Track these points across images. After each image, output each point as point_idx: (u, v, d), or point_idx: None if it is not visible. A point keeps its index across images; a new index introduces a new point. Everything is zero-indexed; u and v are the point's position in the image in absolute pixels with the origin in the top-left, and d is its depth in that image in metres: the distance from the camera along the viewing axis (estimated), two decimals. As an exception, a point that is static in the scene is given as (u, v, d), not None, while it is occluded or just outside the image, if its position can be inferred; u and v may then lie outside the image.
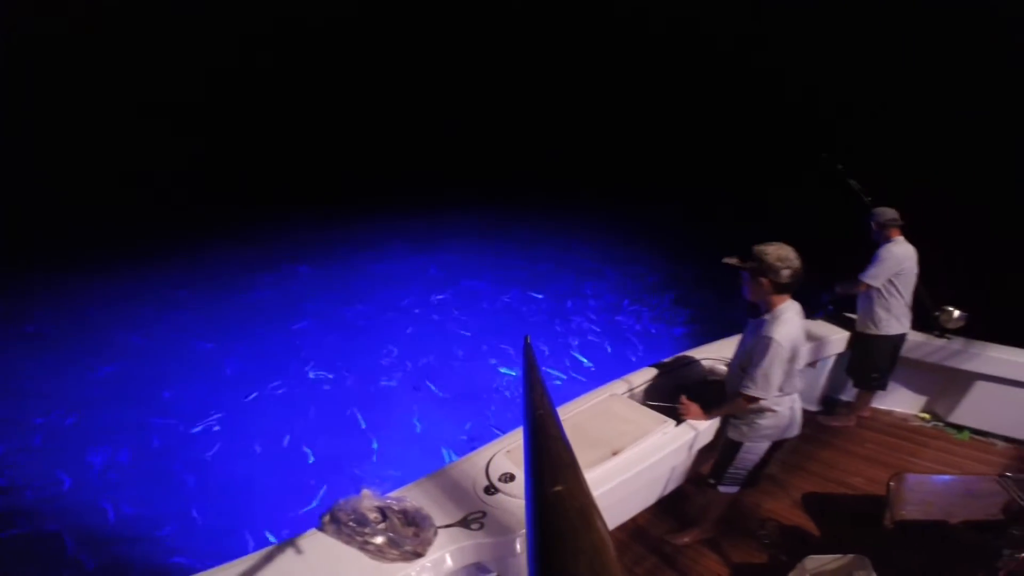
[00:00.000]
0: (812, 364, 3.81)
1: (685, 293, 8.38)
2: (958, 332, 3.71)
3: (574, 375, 6.45)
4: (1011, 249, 7.75)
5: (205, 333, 7.08)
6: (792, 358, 2.33)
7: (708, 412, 2.65)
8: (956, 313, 3.64)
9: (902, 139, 12.52)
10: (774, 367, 2.28)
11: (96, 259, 9.26)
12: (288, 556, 1.82)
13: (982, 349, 3.61)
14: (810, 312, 3.92)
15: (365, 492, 1.97)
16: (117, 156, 14.13)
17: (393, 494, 2.08)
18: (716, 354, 3.33)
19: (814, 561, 2.17)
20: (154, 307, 7.77)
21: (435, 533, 1.91)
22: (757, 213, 9.92)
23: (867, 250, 3.54)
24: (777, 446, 2.62)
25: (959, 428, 3.75)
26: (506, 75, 19.77)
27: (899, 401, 4.03)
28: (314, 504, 4.52)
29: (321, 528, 1.92)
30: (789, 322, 2.31)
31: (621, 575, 0.47)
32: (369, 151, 16.29)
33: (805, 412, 3.91)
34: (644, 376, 3.15)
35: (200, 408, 5.63)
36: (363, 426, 5.48)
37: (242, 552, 1.88)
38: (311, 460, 5.04)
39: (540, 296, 8.32)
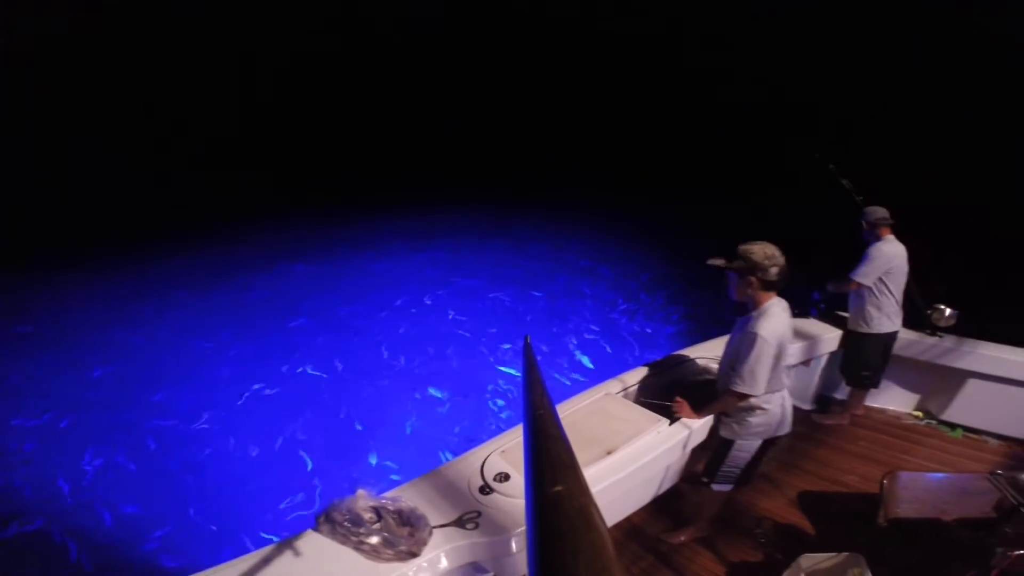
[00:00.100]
0: (805, 363, 3.83)
1: (681, 292, 8.40)
2: (950, 330, 3.73)
3: (573, 375, 6.45)
4: (1010, 248, 7.75)
5: (204, 333, 7.10)
6: (779, 354, 2.35)
7: (699, 411, 2.66)
8: (948, 311, 3.65)
9: (902, 139, 12.52)
10: (760, 363, 2.29)
11: (96, 259, 9.28)
12: (284, 557, 1.83)
13: (974, 347, 3.63)
14: (802, 311, 3.95)
15: (360, 492, 1.98)
16: (117, 156, 14.14)
17: (388, 494, 2.08)
18: (710, 353, 3.34)
19: (809, 559, 2.18)
20: (154, 306, 7.79)
21: (430, 533, 1.92)
22: (756, 213, 9.93)
23: (858, 249, 3.57)
24: (769, 444, 2.62)
25: (952, 426, 3.76)
26: (506, 75, 19.78)
27: (892, 399, 4.04)
28: (311, 504, 4.52)
29: (317, 528, 1.93)
30: (775, 317, 2.33)
31: (621, 575, 0.47)
32: (369, 151, 16.31)
33: (799, 411, 3.93)
34: (638, 375, 3.15)
35: (197, 408, 5.65)
36: (359, 427, 5.49)
37: (239, 553, 1.88)
38: (307, 460, 5.04)
39: (539, 294, 8.33)
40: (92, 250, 9.64)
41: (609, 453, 2.40)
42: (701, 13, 18.65)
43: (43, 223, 10.93)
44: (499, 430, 2.94)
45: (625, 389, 3.06)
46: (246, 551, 1.89)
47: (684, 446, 2.64)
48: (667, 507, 3.06)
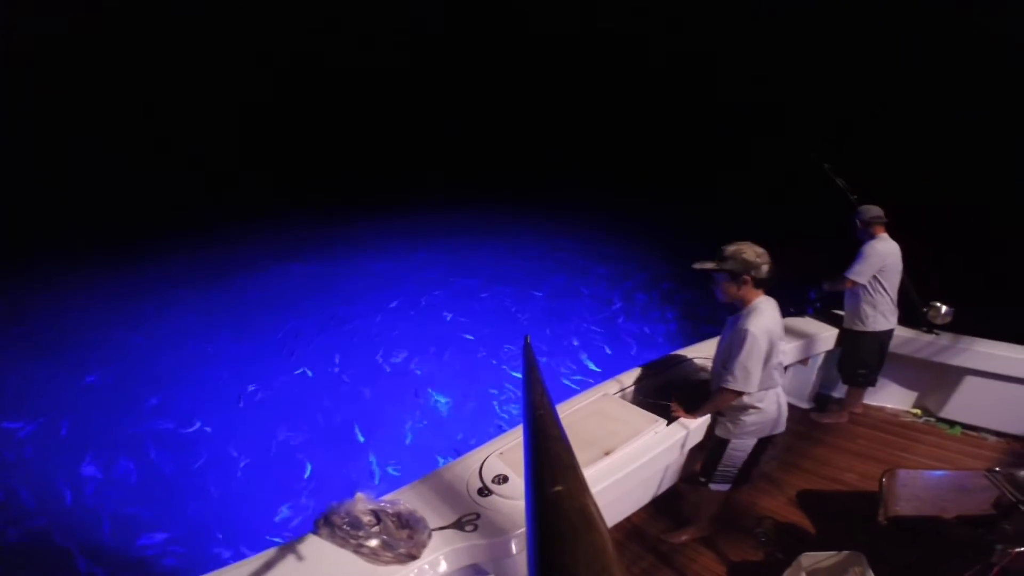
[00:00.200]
0: (803, 362, 3.83)
1: (679, 292, 8.40)
2: (946, 327, 3.73)
3: (572, 374, 6.45)
4: (1010, 248, 7.76)
5: (204, 333, 7.09)
6: (770, 350, 2.36)
7: (695, 411, 2.66)
8: (944, 308, 3.65)
9: (902, 139, 12.53)
10: (752, 359, 2.31)
11: (96, 259, 9.28)
12: (283, 560, 1.83)
13: (970, 344, 3.63)
14: (798, 309, 3.95)
15: (359, 496, 1.97)
16: (117, 156, 14.14)
17: (387, 497, 2.08)
18: (707, 353, 3.34)
19: (810, 558, 2.18)
20: (154, 306, 7.79)
21: (429, 535, 1.92)
22: (754, 213, 9.94)
23: (852, 247, 3.58)
24: (765, 443, 2.63)
25: (950, 423, 3.76)
26: (506, 75, 19.79)
27: (890, 397, 4.04)
28: (310, 507, 4.51)
29: (316, 532, 1.92)
30: (765, 314, 2.35)
31: (621, 575, 0.47)
32: (369, 151, 16.32)
33: (798, 410, 3.95)
34: (636, 376, 3.15)
35: (196, 410, 5.63)
36: (358, 428, 5.48)
37: (237, 557, 1.88)
38: (306, 463, 5.03)
39: (539, 294, 8.33)
40: (92, 250, 9.64)
41: (607, 454, 2.39)
42: (701, 13, 18.66)
43: (43, 223, 10.93)
44: (499, 431, 2.93)
45: (623, 390, 3.06)
46: (245, 555, 1.89)
47: (682, 446, 2.64)
48: (667, 507, 3.05)
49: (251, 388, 5.99)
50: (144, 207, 11.81)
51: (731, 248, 2.35)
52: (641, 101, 18.22)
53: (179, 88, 17.02)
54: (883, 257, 3.46)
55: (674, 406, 2.70)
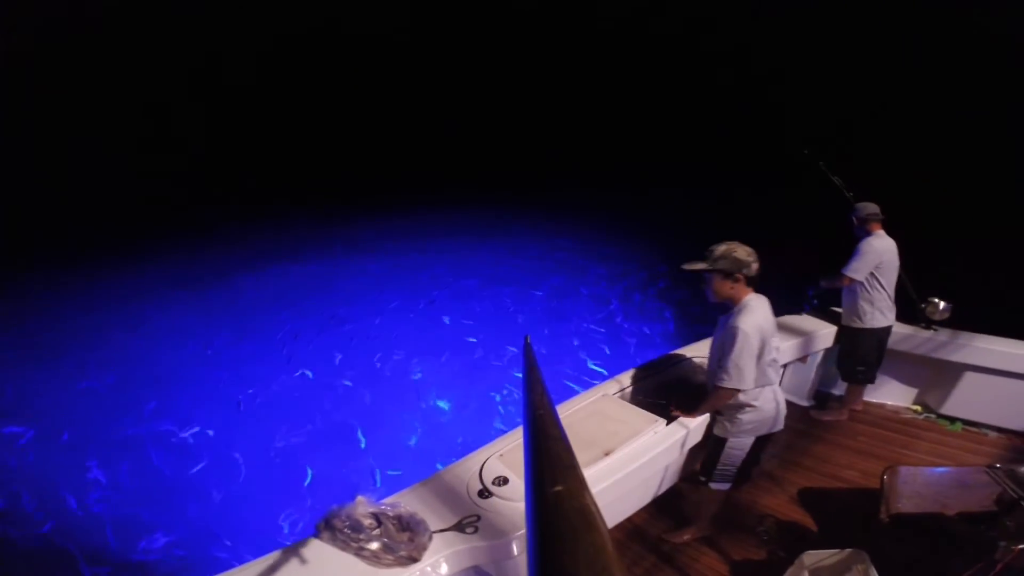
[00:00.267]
0: (802, 359, 3.82)
1: (677, 292, 8.40)
2: (945, 323, 3.72)
3: (572, 374, 6.45)
4: (1010, 247, 7.77)
5: (204, 334, 7.09)
6: (762, 347, 2.37)
7: (692, 410, 2.66)
8: (942, 304, 3.65)
9: (902, 139, 12.54)
10: (744, 356, 2.32)
11: (96, 259, 9.28)
12: (285, 564, 1.82)
13: (969, 340, 3.62)
14: (796, 307, 3.95)
15: (360, 499, 1.97)
16: (117, 156, 14.15)
17: (387, 500, 2.07)
18: (706, 352, 3.31)
19: (812, 556, 2.17)
20: (154, 306, 7.79)
21: (430, 538, 1.91)
22: (752, 213, 9.95)
23: (849, 244, 3.59)
24: (764, 441, 2.62)
25: (951, 419, 3.75)
26: (506, 75, 19.79)
27: (891, 394, 4.04)
28: (311, 511, 4.50)
29: (317, 535, 1.92)
30: (756, 311, 2.36)
31: (622, 575, 0.47)
32: (369, 151, 16.32)
33: (798, 407, 3.94)
34: (635, 376, 3.15)
35: (196, 412, 5.63)
36: (358, 430, 5.47)
37: (238, 561, 1.88)
38: (307, 466, 5.01)
39: (539, 293, 8.34)
40: (92, 250, 9.64)
41: (607, 454, 2.39)
42: (701, 13, 18.68)
43: (43, 223, 10.93)
44: (499, 432, 2.93)
45: (622, 390, 3.06)
46: (246, 559, 1.88)
47: (682, 446, 2.64)
48: (668, 507, 3.05)
49: (251, 390, 5.98)
50: (144, 207, 11.81)
51: (722, 248, 2.37)
52: (641, 101, 18.23)
53: (179, 88, 17.03)
54: (880, 254, 3.47)
55: (672, 406, 2.71)
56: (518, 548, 1.97)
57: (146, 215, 11.41)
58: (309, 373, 6.34)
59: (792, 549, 2.37)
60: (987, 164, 11.09)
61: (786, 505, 3.08)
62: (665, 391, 2.92)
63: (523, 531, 1.97)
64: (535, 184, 14.01)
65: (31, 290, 8.30)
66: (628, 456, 2.43)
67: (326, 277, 8.87)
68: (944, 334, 3.71)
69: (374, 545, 1.83)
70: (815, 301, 4.02)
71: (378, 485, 4.79)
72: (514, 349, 6.75)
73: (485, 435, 5.20)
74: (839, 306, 3.80)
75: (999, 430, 3.60)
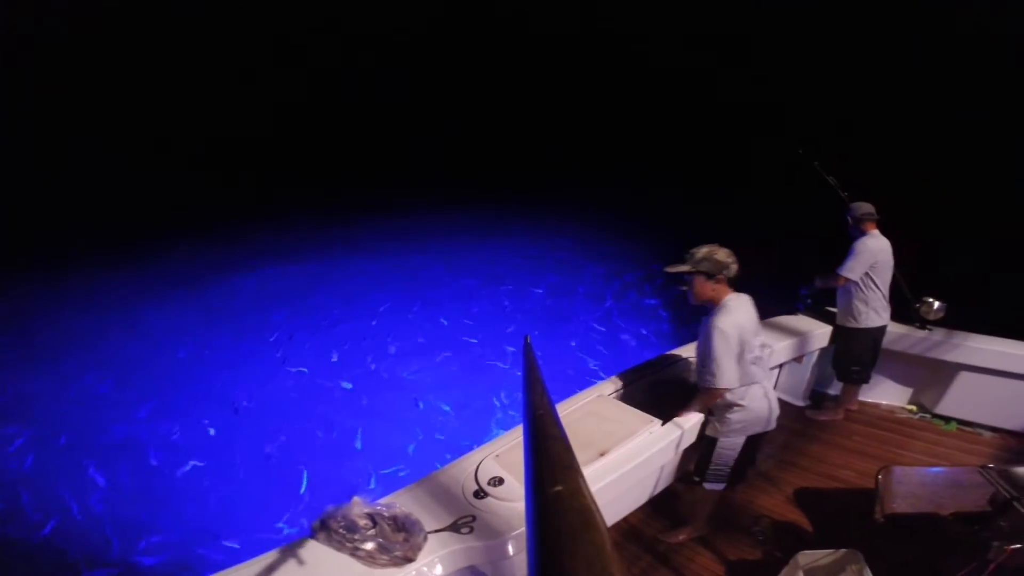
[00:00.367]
0: (797, 359, 3.82)
1: (675, 292, 8.39)
2: (939, 323, 3.72)
3: (572, 374, 6.45)
4: (1009, 246, 7.77)
5: (203, 334, 7.09)
6: (741, 344, 2.40)
7: (680, 411, 2.67)
8: (936, 304, 3.65)
9: (901, 139, 12.53)
10: (723, 355, 2.36)
11: (96, 259, 9.28)
12: (280, 564, 1.83)
13: (964, 339, 3.62)
14: (790, 307, 3.95)
15: (355, 499, 1.98)
16: (117, 156, 14.16)
17: (383, 500, 2.07)
18: None
19: (807, 556, 2.18)
20: (153, 306, 7.79)
21: (425, 538, 1.92)
22: (750, 212, 9.95)
23: (844, 244, 3.59)
24: (757, 440, 2.64)
25: (946, 419, 3.76)
26: (506, 75, 19.79)
27: (886, 393, 4.04)
28: (306, 511, 4.50)
29: (312, 536, 1.93)
30: (735, 310, 2.40)
31: (621, 575, 0.47)
32: (369, 151, 16.32)
33: (793, 407, 3.95)
34: (631, 376, 3.16)
35: (195, 413, 5.63)
36: (356, 431, 5.46)
37: (234, 561, 1.88)
38: (303, 467, 5.00)
39: (539, 291, 8.34)
40: (92, 250, 9.64)
41: (603, 455, 2.40)
42: (701, 13, 18.67)
43: (43, 223, 10.94)
44: (497, 432, 2.93)
45: (618, 390, 3.06)
46: (242, 559, 1.89)
47: (677, 446, 2.64)
48: (664, 507, 3.05)
49: (249, 390, 5.98)
50: (144, 207, 11.82)
51: (703, 250, 2.42)
52: (640, 101, 18.22)
53: (179, 88, 17.03)
54: (875, 253, 3.48)
55: (667, 406, 2.71)
56: (513, 548, 1.97)
57: (146, 215, 11.41)
58: (305, 370, 6.34)
59: (787, 549, 2.38)
60: (987, 164, 11.08)
61: (781, 505, 3.08)
62: (661, 391, 2.92)
63: (519, 531, 1.98)
64: (535, 184, 14.01)
65: (31, 290, 8.30)
66: (624, 456, 2.44)
67: (326, 277, 8.87)
68: (939, 334, 3.72)
69: (369, 545, 1.84)
70: (809, 300, 4.02)
71: (374, 486, 4.79)
72: (513, 349, 6.76)
73: (483, 436, 5.22)
74: (834, 306, 3.80)
75: (993, 430, 3.61)
